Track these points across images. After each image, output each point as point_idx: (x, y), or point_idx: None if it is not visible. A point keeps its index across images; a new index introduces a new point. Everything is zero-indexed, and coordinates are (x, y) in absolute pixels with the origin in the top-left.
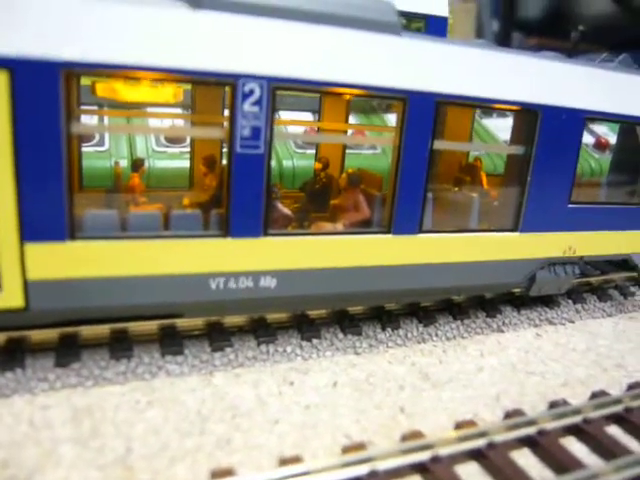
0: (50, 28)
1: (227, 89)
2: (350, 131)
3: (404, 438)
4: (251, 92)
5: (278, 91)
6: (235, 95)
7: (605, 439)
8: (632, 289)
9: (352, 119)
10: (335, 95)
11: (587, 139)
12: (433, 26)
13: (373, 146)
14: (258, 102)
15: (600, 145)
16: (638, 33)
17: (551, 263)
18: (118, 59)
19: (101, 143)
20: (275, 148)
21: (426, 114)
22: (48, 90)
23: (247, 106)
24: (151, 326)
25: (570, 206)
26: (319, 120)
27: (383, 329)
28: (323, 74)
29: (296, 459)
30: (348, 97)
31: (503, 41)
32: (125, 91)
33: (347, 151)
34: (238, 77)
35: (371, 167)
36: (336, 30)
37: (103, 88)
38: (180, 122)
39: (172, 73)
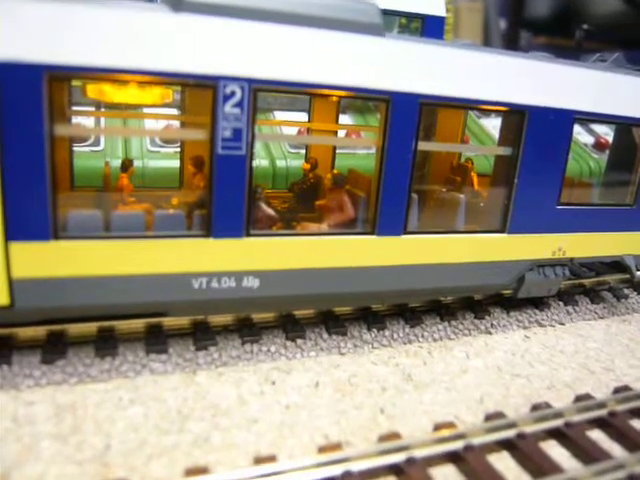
0: (34, 33)
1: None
2: (341, 131)
3: (381, 439)
4: (232, 94)
5: (260, 93)
6: (216, 97)
7: (586, 443)
8: (626, 291)
9: (347, 119)
10: (320, 96)
11: (587, 139)
12: (430, 26)
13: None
14: (239, 104)
15: (600, 145)
16: None
17: (540, 265)
18: (101, 62)
19: (96, 143)
20: (269, 148)
21: (410, 115)
22: (31, 92)
23: (228, 108)
24: (137, 325)
25: (559, 207)
26: (309, 121)
27: (369, 330)
28: (305, 75)
29: (271, 458)
30: (336, 98)
31: (511, 40)
32: (112, 93)
33: (342, 151)
34: (219, 79)
35: (365, 167)
36: (318, 32)
37: (92, 90)
38: (170, 123)
39: (154, 75)
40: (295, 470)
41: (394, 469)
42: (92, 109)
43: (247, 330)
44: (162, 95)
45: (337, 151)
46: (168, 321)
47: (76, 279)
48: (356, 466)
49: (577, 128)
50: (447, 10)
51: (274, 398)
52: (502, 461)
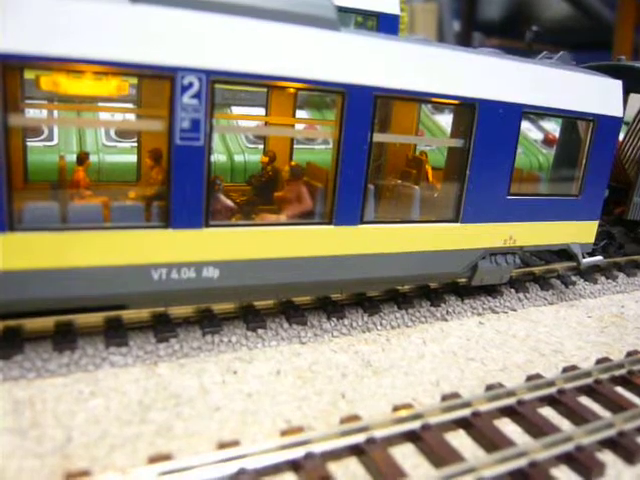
0: None
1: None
2: (300, 125)
3: (342, 421)
4: (190, 85)
5: (217, 84)
6: (174, 88)
7: (537, 419)
8: (573, 278)
9: (304, 114)
10: (278, 89)
11: (537, 135)
12: (385, 23)
13: (326, 141)
14: (197, 95)
15: (548, 141)
16: (593, 35)
17: (492, 253)
18: (58, 52)
19: (50, 138)
20: (227, 143)
21: (365, 107)
22: None
23: (186, 99)
24: (96, 318)
25: (509, 197)
26: (266, 115)
27: (328, 319)
28: (262, 68)
29: (234, 443)
30: (293, 91)
31: (464, 41)
32: (68, 84)
33: (300, 146)
34: (177, 70)
35: (323, 162)
36: (275, 25)
37: (46, 81)
38: (126, 115)
39: (112, 66)
40: (258, 453)
41: (355, 449)
42: (46, 102)
43: (208, 321)
44: (118, 87)
45: (295, 146)
46: (128, 314)
47: (33, 272)
48: (318, 447)
49: (528, 125)
50: (401, 9)
51: (236, 387)
52: (458, 439)
